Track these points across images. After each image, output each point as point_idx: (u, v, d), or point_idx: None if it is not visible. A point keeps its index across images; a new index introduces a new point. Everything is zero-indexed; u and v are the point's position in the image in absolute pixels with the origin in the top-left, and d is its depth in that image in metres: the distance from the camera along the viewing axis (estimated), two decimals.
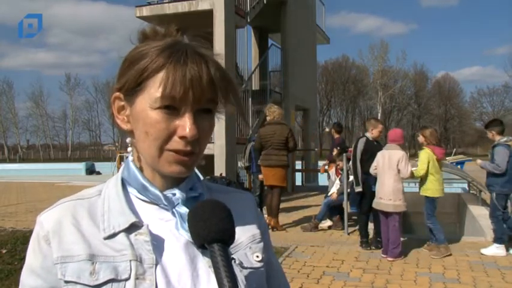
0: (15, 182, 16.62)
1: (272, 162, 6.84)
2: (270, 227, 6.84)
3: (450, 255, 5.36)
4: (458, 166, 14.23)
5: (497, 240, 5.44)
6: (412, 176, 5.46)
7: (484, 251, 5.49)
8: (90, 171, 22.97)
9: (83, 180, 16.24)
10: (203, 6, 9.47)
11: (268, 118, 7.09)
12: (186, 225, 0.72)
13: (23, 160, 52.34)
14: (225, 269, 0.62)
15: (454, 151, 28.22)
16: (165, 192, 0.76)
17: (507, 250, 5.44)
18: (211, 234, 0.65)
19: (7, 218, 8.14)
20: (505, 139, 5.52)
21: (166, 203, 0.76)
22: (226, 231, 0.66)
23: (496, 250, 5.41)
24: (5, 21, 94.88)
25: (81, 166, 23.70)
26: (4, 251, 5.61)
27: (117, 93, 0.75)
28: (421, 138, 5.70)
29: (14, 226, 7.26)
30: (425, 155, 5.47)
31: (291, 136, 6.85)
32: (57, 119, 64.97)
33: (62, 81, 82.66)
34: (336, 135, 7.68)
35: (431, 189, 5.46)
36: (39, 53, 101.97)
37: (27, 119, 62.84)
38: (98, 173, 22.73)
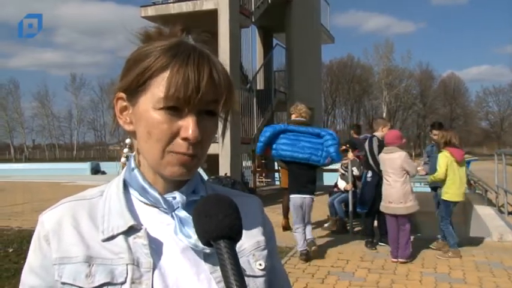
0: (21, 182, 16.68)
1: None
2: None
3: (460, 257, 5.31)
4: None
5: None
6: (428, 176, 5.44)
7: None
8: (95, 170, 23.04)
9: (88, 179, 16.27)
10: (208, 5, 9.48)
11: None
12: (185, 230, 0.71)
13: (28, 160, 52.49)
14: (232, 266, 0.60)
15: None
16: (165, 196, 0.75)
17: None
18: (217, 230, 0.62)
19: (13, 218, 8.18)
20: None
21: (165, 207, 0.74)
22: (233, 227, 0.63)
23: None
24: (12, 20, 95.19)
25: (86, 166, 23.75)
26: (11, 250, 5.65)
27: (120, 94, 0.74)
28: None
29: (21, 225, 7.30)
30: (443, 158, 5.39)
31: None
32: (63, 118, 65.32)
33: (67, 81, 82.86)
34: (356, 136, 7.65)
35: (448, 192, 5.40)
36: (45, 53, 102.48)
37: (33, 119, 63.18)
38: (103, 172, 22.78)
